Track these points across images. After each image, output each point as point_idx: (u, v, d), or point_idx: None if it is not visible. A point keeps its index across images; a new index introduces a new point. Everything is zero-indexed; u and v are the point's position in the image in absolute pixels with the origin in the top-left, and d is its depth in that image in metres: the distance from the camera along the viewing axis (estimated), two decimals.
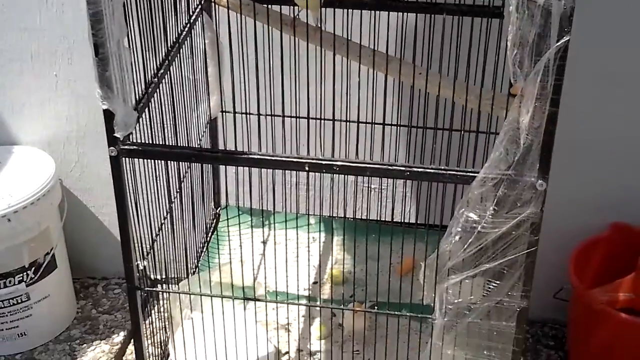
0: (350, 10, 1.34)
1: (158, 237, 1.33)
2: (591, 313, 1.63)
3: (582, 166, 1.70)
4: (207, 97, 1.50)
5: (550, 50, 0.94)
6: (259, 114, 1.48)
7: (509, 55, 0.97)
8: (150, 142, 1.23)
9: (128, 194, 1.20)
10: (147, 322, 1.35)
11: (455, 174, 1.09)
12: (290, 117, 1.49)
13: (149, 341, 1.38)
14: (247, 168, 1.54)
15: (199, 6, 1.44)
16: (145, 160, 1.23)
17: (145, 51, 1.19)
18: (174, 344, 1.42)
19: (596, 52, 1.59)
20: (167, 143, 1.27)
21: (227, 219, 1.67)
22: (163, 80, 1.26)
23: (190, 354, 1.36)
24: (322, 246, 1.68)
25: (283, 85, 1.32)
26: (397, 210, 1.72)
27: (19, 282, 1.77)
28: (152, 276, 1.33)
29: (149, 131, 1.23)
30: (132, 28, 1.14)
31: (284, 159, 1.13)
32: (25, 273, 1.77)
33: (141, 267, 1.27)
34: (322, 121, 1.49)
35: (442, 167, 1.09)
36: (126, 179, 1.19)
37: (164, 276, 1.37)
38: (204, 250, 1.68)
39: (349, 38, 1.27)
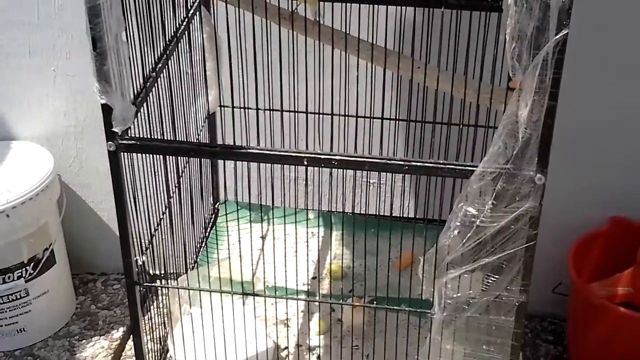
0: (348, 4, 1.34)
1: (157, 232, 1.33)
2: (590, 307, 1.63)
3: (581, 160, 1.70)
4: (206, 91, 1.50)
5: (549, 43, 0.94)
6: (257, 109, 1.48)
7: (507, 48, 0.97)
8: (149, 137, 1.22)
9: (126, 189, 1.20)
10: (146, 317, 1.35)
11: (454, 168, 1.08)
12: (289, 111, 1.49)
13: (148, 337, 1.38)
14: (246, 163, 1.54)
15: (197, 0, 1.43)
16: (143, 155, 1.23)
17: (143, 45, 1.19)
18: (173, 339, 1.42)
19: (595, 46, 1.59)
20: (165, 138, 1.27)
21: (226, 214, 1.67)
22: (161, 75, 1.26)
23: (189, 350, 1.36)
24: (321, 241, 1.68)
25: (281, 80, 1.32)
26: (396, 204, 1.72)
27: (18, 277, 1.77)
28: (151, 271, 1.33)
29: (147, 126, 1.22)
30: (130, 22, 1.14)
31: (282, 153, 1.13)
32: (24, 269, 1.77)
33: (140, 263, 1.27)
34: (321, 115, 1.49)
35: (441, 162, 1.09)
36: (124, 174, 1.18)
37: (163, 272, 1.37)
38: (203, 245, 1.68)
39: (348, 32, 1.27)
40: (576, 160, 1.69)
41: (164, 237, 1.35)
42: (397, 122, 1.55)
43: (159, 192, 1.30)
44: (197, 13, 1.41)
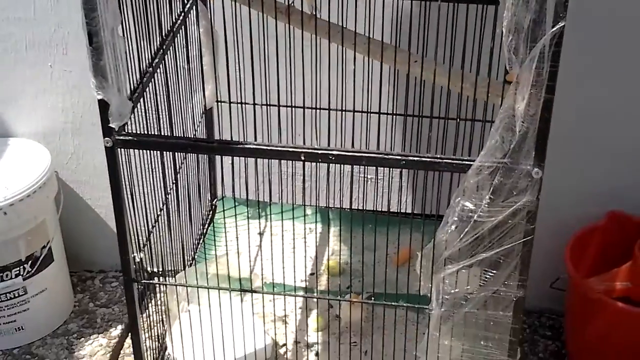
0: None
1: (154, 229, 1.33)
2: (588, 302, 1.63)
3: (579, 154, 1.70)
4: (202, 87, 1.50)
5: (546, 36, 0.94)
6: (254, 104, 1.48)
7: (504, 41, 0.96)
8: (146, 132, 1.22)
9: (124, 185, 1.19)
10: (144, 315, 1.35)
11: (451, 163, 1.08)
12: (286, 106, 1.49)
13: (147, 334, 1.37)
14: (243, 159, 1.53)
15: None
16: (140, 151, 1.23)
17: (140, 40, 1.18)
18: (172, 336, 1.42)
19: (591, 39, 1.58)
20: (162, 134, 1.27)
21: (224, 210, 1.67)
22: (158, 70, 1.25)
23: (187, 347, 1.36)
24: (319, 237, 1.68)
25: (278, 74, 1.31)
26: (394, 200, 1.72)
27: (16, 275, 1.77)
28: (149, 269, 1.32)
29: (144, 122, 1.22)
30: (126, 17, 1.13)
31: (279, 148, 1.12)
32: (22, 266, 1.77)
33: (138, 260, 1.27)
34: (318, 110, 1.49)
35: (438, 156, 1.09)
36: (122, 170, 1.18)
37: (161, 269, 1.37)
38: (201, 242, 1.67)
39: (344, 26, 1.27)
40: (574, 154, 1.69)
41: (161, 233, 1.34)
42: (394, 116, 1.55)
43: (156, 188, 1.30)
44: (194, 7, 1.41)
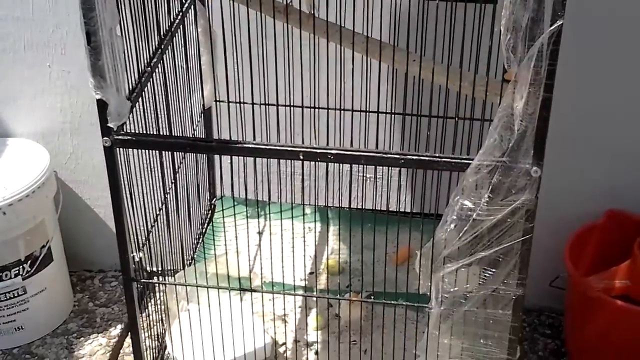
0: None
1: (154, 228, 1.33)
2: (587, 300, 1.63)
3: (578, 153, 1.70)
4: (201, 86, 1.50)
5: (544, 35, 0.94)
6: (253, 103, 1.48)
7: (502, 40, 0.96)
8: (144, 132, 1.22)
9: (123, 184, 1.19)
10: (144, 314, 1.35)
11: (449, 162, 1.08)
12: (285, 105, 1.48)
13: (146, 334, 1.37)
14: (242, 158, 1.53)
15: None
16: (139, 150, 1.23)
17: (138, 40, 1.18)
18: (171, 336, 1.42)
19: (590, 38, 1.58)
20: (161, 133, 1.27)
21: (223, 210, 1.67)
22: (156, 70, 1.25)
23: (187, 346, 1.36)
24: (318, 236, 1.68)
25: (277, 74, 1.31)
26: (393, 199, 1.72)
27: (15, 275, 1.77)
28: (148, 268, 1.32)
29: (143, 122, 1.22)
30: (124, 16, 1.13)
31: (278, 147, 1.12)
32: (21, 266, 1.77)
33: (137, 259, 1.27)
34: (316, 110, 1.49)
35: (437, 155, 1.09)
36: (120, 169, 1.18)
37: (160, 268, 1.37)
38: (200, 241, 1.67)
39: (342, 25, 1.27)
40: (572, 153, 1.69)
41: (160, 233, 1.34)
42: (392, 115, 1.55)
43: (155, 188, 1.30)
44: (192, 7, 1.41)
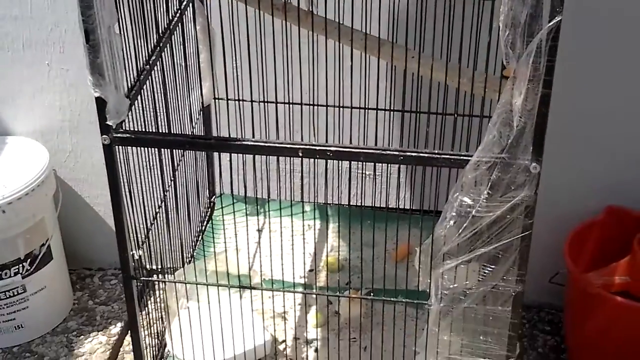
0: None
1: (153, 226, 1.33)
2: (587, 297, 1.63)
3: (577, 149, 1.70)
4: (200, 84, 1.50)
5: (543, 31, 0.94)
6: (252, 101, 1.48)
7: (501, 36, 0.96)
8: (143, 130, 1.22)
9: (122, 182, 1.19)
10: (143, 312, 1.35)
11: (448, 158, 1.08)
12: (283, 103, 1.48)
13: (146, 332, 1.38)
14: (242, 156, 1.53)
15: None
16: (138, 148, 1.23)
17: (137, 38, 1.18)
18: (171, 334, 1.42)
19: (591, 35, 1.58)
20: (160, 131, 1.26)
21: (222, 208, 1.67)
22: (155, 68, 1.25)
23: (187, 344, 1.36)
24: (317, 233, 1.68)
25: (275, 71, 1.31)
26: (392, 196, 1.72)
27: (15, 274, 1.77)
28: (148, 266, 1.32)
29: (142, 119, 1.22)
30: (122, 14, 1.13)
31: (277, 145, 1.12)
32: (21, 265, 1.77)
33: (137, 257, 1.27)
34: (315, 107, 1.49)
35: (436, 151, 1.09)
36: (120, 167, 1.18)
37: (159, 266, 1.37)
38: (199, 239, 1.67)
39: (341, 22, 1.27)
40: (572, 149, 1.69)
41: (160, 231, 1.34)
42: (391, 112, 1.55)
43: (154, 186, 1.30)
44: (190, 5, 1.40)
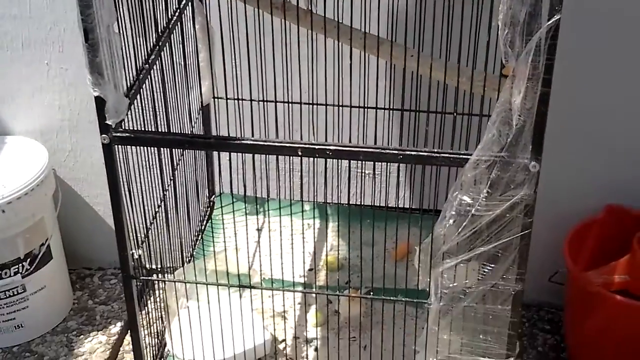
0: None
1: (152, 225, 1.33)
2: (586, 295, 1.63)
3: (576, 148, 1.70)
4: (199, 83, 1.50)
5: (542, 29, 0.94)
6: (251, 100, 1.48)
7: (500, 35, 0.96)
8: (143, 129, 1.22)
9: (121, 182, 1.19)
10: (143, 312, 1.35)
11: (448, 157, 1.08)
12: (283, 102, 1.48)
13: (146, 331, 1.37)
14: (241, 155, 1.53)
15: None
16: (138, 148, 1.23)
17: (136, 37, 1.18)
18: (171, 333, 1.42)
19: (591, 34, 1.58)
20: (159, 130, 1.26)
21: (222, 207, 1.67)
22: (154, 67, 1.25)
23: (187, 343, 1.36)
24: (317, 233, 1.68)
25: (275, 70, 1.31)
26: (391, 195, 1.72)
27: (15, 273, 1.77)
28: (147, 266, 1.32)
29: (141, 119, 1.22)
30: (121, 13, 1.13)
31: (276, 144, 1.12)
32: (20, 264, 1.77)
33: (136, 256, 1.27)
34: (315, 106, 1.49)
35: (435, 150, 1.09)
36: (119, 167, 1.18)
37: (159, 265, 1.37)
38: (199, 238, 1.67)
39: (340, 21, 1.27)
40: (571, 147, 1.69)
41: (159, 230, 1.34)
42: (391, 111, 1.55)
43: (154, 185, 1.30)
44: (189, 4, 1.40)
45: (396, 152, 1.09)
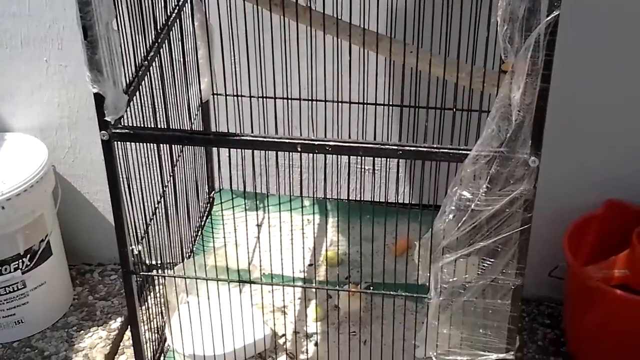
0: None
1: (152, 221, 1.33)
2: (586, 290, 1.64)
3: (576, 143, 1.70)
4: (198, 80, 1.50)
5: (541, 25, 0.94)
6: (250, 96, 1.48)
7: (499, 31, 0.96)
8: (142, 126, 1.22)
9: (121, 178, 1.19)
10: (143, 307, 1.35)
11: (447, 152, 1.08)
12: (282, 98, 1.48)
13: (146, 327, 1.38)
14: (240, 151, 1.53)
15: None
16: (137, 144, 1.23)
17: (135, 34, 1.18)
18: (171, 328, 1.42)
19: (590, 30, 1.58)
20: (159, 127, 1.26)
21: (221, 203, 1.67)
22: (153, 64, 1.25)
23: (187, 339, 1.36)
24: (317, 228, 1.68)
25: (274, 67, 1.31)
26: (391, 190, 1.72)
27: (15, 269, 1.77)
28: (147, 261, 1.33)
29: (141, 115, 1.22)
30: (120, 10, 1.13)
31: (276, 140, 1.13)
32: (20, 260, 1.77)
33: (136, 252, 1.27)
34: (314, 102, 1.49)
35: (435, 146, 1.09)
36: (118, 163, 1.18)
37: (159, 261, 1.37)
38: (199, 234, 1.68)
39: (339, 17, 1.27)
40: (571, 142, 1.69)
41: (159, 226, 1.35)
42: (390, 107, 1.55)
43: (153, 181, 1.30)
44: (188, 1, 1.40)
45: (396, 147, 1.10)
